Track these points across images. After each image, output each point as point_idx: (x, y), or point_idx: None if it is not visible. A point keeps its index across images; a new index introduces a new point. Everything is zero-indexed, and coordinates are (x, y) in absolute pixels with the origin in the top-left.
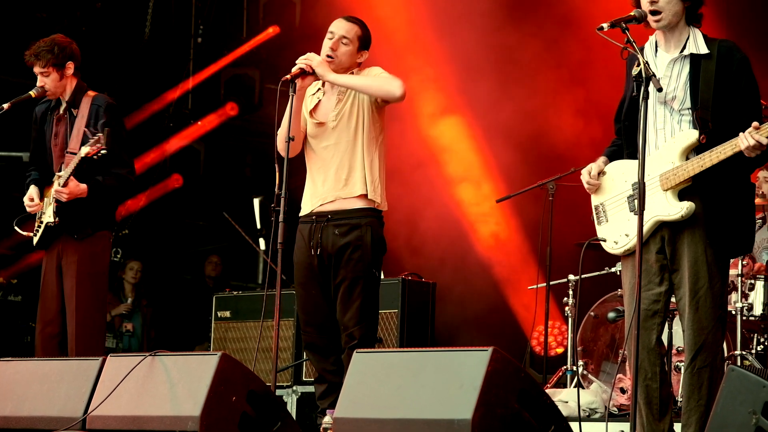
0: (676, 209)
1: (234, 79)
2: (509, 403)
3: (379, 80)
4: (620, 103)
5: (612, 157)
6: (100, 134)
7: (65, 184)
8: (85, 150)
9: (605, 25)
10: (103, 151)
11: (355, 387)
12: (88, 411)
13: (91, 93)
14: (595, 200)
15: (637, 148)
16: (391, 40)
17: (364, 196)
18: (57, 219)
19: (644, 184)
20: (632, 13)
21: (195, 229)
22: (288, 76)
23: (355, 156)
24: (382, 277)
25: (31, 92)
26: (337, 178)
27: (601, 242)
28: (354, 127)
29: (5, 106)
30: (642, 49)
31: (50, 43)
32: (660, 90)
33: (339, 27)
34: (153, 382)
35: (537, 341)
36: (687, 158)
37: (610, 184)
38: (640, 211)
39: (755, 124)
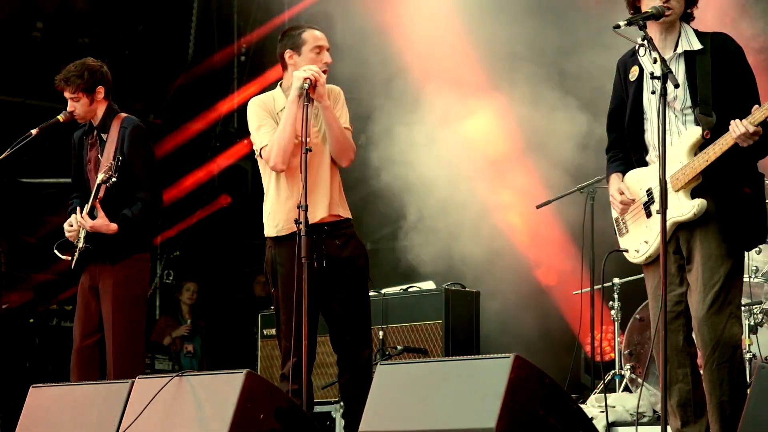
0: (688, 208)
1: None
2: (534, 409)
3: (346, 141)
4: (611, 112)
5: (623, 173)
6: (111, 162)
7: (93, 215)
8: (100, 177)
9: (621, 23)
10: (113, 179)
11: (380, 399)
12: None
13: (121, 115)
14: (614, 212)
15: (644, 153)
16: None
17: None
18: (85, 245)
19: (665, 181)
20: (649, 10)
21: (249, 248)
22: (306, 84)
23: (331, 179)
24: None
25: (59, 117)
26: (319, 198)
27: (624, 253)
28: (327, 151)
29: (33, 131)
30: (636, 50)
31: (80, 67)
32: (677, 86)
33: (325, 39)
34: (180, 404)
35: (592, 348)
36: (694, 156)
37: (622, 198)
38: (663, 210)
39: (755, 107)
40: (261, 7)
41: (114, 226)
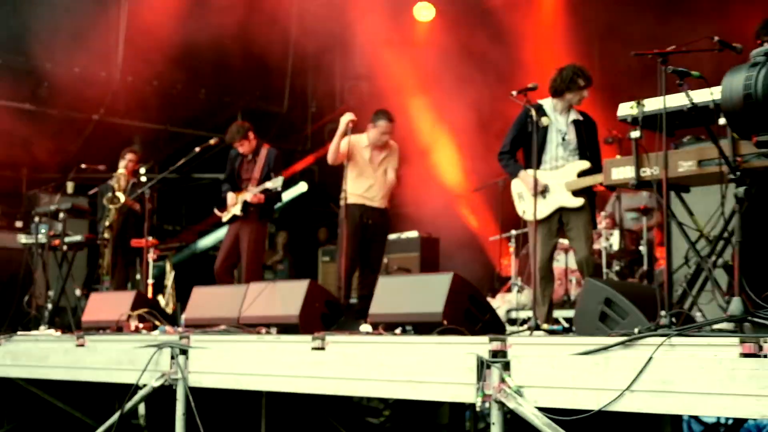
0: (575, 202)
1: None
2: (463, 302)
3: (394, 180)
4: (514, 138)
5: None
6: (271, 186)
7: (258, 195)
8: (262, 188)
9: (514, 93)
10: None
11: (381, 296)
12: (240, 313)
13: (266, 145)
14: (517, 188)
15: (542, 165)
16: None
17: None
18: (242, 213)
19: (537, 180)
20: (530, 85)
21: (320, 212)
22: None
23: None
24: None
25: (210, 141)
26: (376, 192)
27: (521, 213)
28: (384, 169)
29: (212, 141)
30: (541, 105)
31: (236, 129)
32: (546, 127)
33: (390, 128)
34: (273, 297)
35: (499, 268)
36: (578, 175)
37: (529, 182)
38: (535, 197)
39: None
40: (322, 102)
41: (262, 196)
